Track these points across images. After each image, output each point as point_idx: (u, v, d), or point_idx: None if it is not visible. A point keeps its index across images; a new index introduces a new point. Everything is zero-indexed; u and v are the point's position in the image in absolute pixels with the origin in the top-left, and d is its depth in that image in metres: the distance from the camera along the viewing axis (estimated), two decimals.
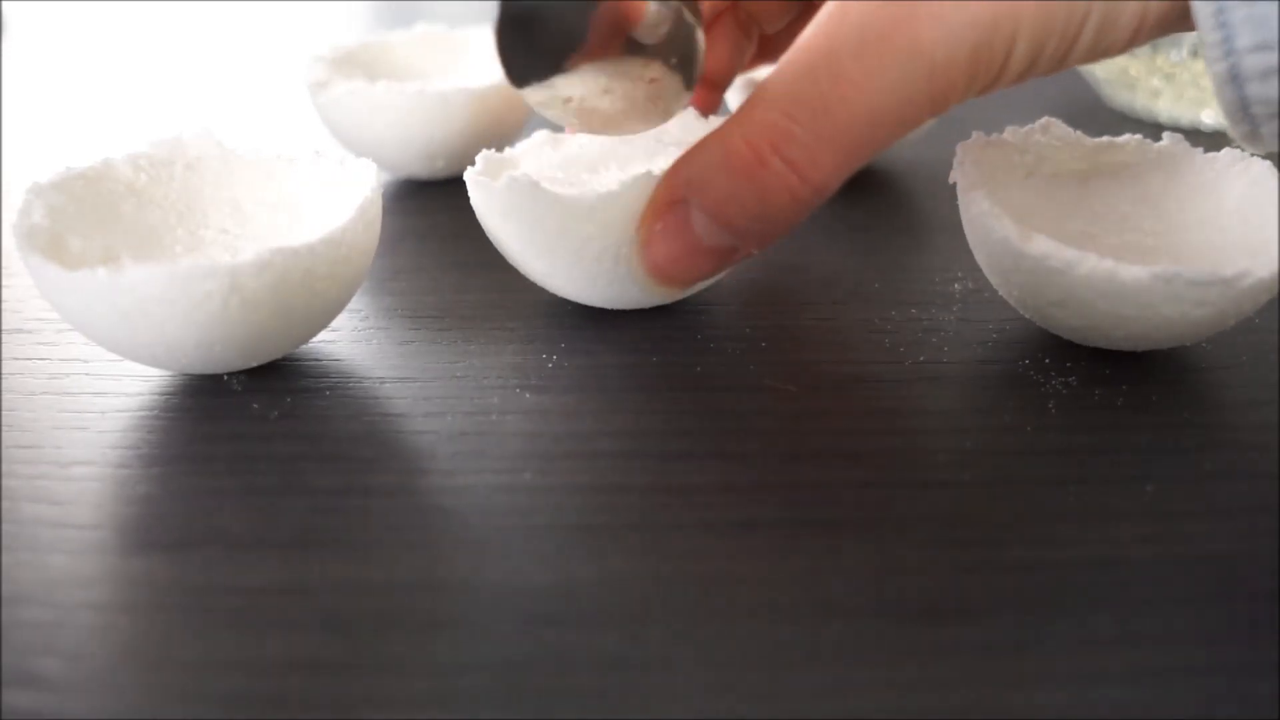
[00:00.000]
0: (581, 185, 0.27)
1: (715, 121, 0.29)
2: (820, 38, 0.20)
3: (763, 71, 0.39)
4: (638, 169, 0.28)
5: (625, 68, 0.21)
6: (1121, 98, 0.44)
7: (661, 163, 0.27)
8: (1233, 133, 0.20)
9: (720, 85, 0.31)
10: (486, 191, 0.25)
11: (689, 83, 0.22)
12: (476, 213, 0.26)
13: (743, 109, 0.21)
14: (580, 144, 0.29)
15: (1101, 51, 0.20)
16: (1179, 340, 0.24)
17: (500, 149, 0.28)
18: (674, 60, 0.22)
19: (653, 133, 0.29)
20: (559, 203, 0.24)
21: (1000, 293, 0.26)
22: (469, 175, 0.26)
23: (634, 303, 0.27)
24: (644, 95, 0.22)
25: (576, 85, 0.21)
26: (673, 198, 0.22)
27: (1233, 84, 0.19)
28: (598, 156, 0.29)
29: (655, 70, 0.21)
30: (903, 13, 0.20)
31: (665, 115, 0.23)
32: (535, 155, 0.29)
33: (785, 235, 0.22)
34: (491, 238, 0.26)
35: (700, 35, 0.22)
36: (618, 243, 0.24)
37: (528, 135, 0.29)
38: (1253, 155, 0.26)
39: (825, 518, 0.20)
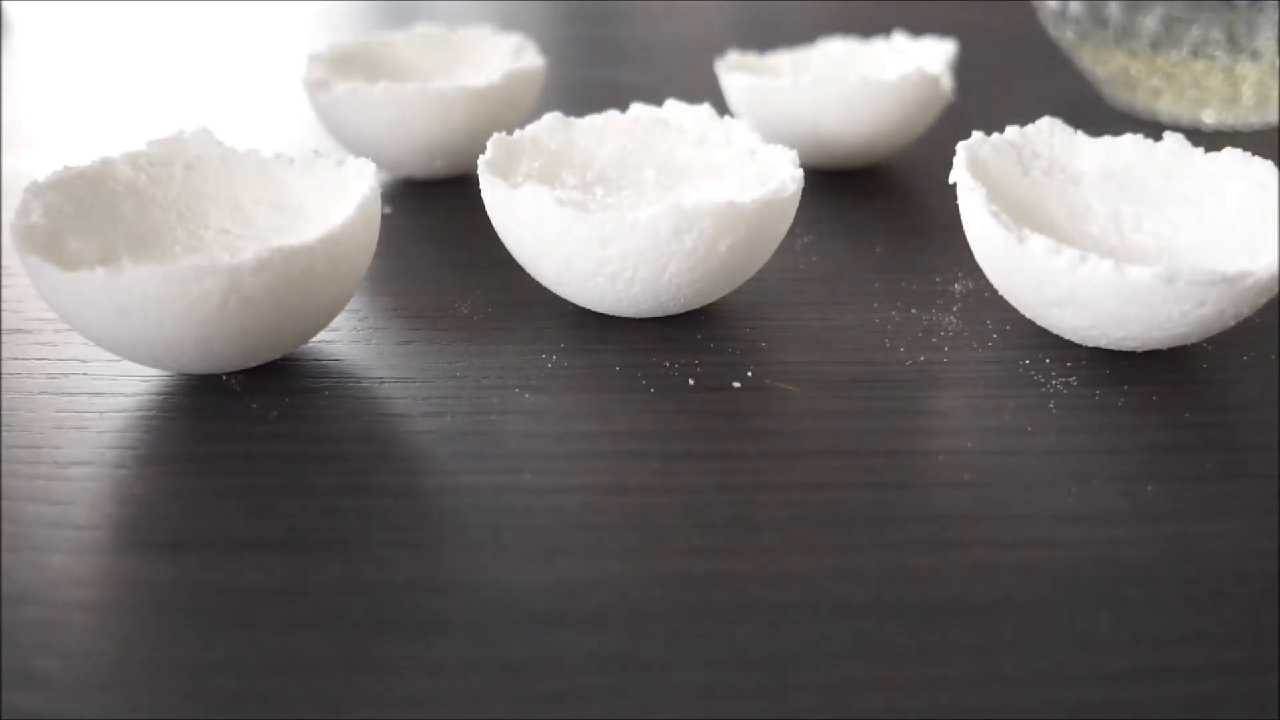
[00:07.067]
0: (587, 172, 0.28)
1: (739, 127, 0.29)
2: None
3: (774, 57, 0.38)
4: (642, 142, 0.29)
5: None
6: (1121, 98, 0.44)
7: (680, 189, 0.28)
8: None
9: None
10: (503, 195, 0.25)
11: None
12: (488, 210, 0.26)
13: None
14: (591, 125, 0.29)
15: None
16: (1179, 340, 0.24)
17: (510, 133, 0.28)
18: None
19: (661, 125, 0.30)
20: (580, 224, 0.24)
21: (1000, 293, 0.26)
22: (483, 171, 0.25)
23: (643, 314, 0.26)
24: None
25: None
26: None
27: None
28: (606, 132, 0.29)
29: None
30: None
31: None
32: (547, 138, 0.29)
33: None
34: (500, 234, 0.26)
35: None
36: (635, 265, 0.24)
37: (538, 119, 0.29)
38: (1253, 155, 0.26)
39: (825, 518, 0.20)
